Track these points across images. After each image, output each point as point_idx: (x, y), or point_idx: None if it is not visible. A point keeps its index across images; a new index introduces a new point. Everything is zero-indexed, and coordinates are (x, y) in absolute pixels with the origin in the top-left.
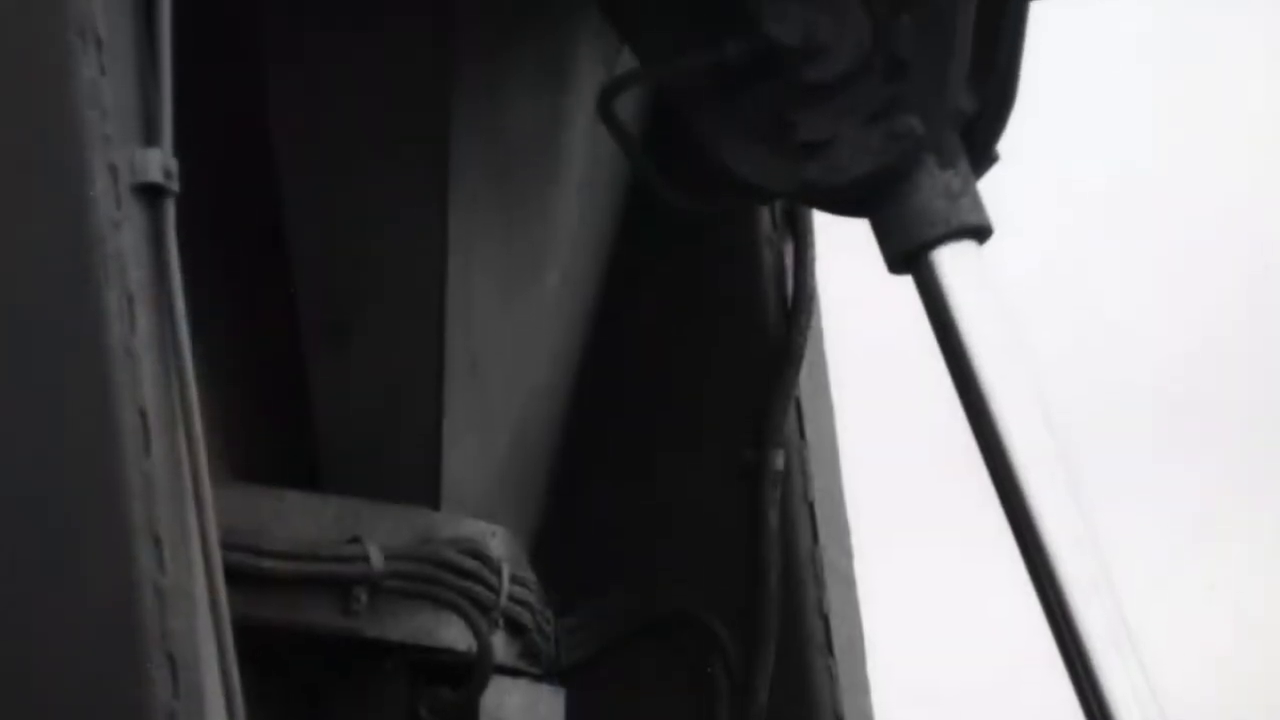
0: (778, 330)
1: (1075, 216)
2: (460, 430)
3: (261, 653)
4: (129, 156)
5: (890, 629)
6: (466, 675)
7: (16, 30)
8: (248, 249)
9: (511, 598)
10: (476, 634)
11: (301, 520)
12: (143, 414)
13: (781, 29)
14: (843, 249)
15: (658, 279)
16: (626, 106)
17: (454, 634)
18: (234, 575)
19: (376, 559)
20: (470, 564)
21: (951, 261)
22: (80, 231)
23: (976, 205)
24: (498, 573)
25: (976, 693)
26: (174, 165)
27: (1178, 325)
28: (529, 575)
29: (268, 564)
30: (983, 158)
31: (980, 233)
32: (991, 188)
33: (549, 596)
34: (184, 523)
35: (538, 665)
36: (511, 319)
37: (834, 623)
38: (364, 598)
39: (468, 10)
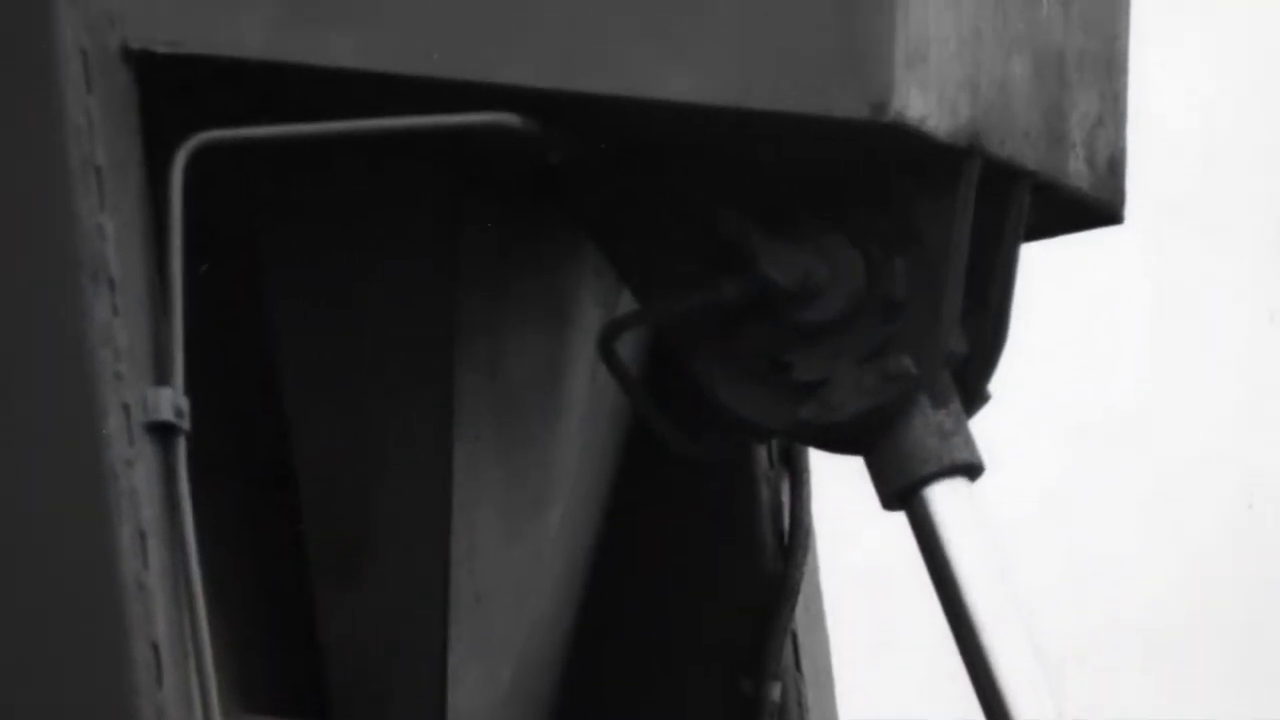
0: (774, 565)
1: (1063, 452)
2: (465, 661)
3: None
4: (141, 395)
5: None
6: None
7: (30, 273)
8: (257, 484)
9: None
10: None
11: None
12: (155, 647)
13: (778, 271)
14: (838, 479)
15: (656, 513)
16: (627, 346)
17: None
18: None
19: None
20: None
21: (944, 499)
22: (94, 469)
23: (968, 443)
24: None
25: None
26: (185, 403)
27: (1164, 560)
28: None
29: None
30: (974, 396)
31: (972, 470)
32: (982, 424)
33: None
34: None
35: None
36: (515, 553)
37: None
38: None
39: (470, 250)
